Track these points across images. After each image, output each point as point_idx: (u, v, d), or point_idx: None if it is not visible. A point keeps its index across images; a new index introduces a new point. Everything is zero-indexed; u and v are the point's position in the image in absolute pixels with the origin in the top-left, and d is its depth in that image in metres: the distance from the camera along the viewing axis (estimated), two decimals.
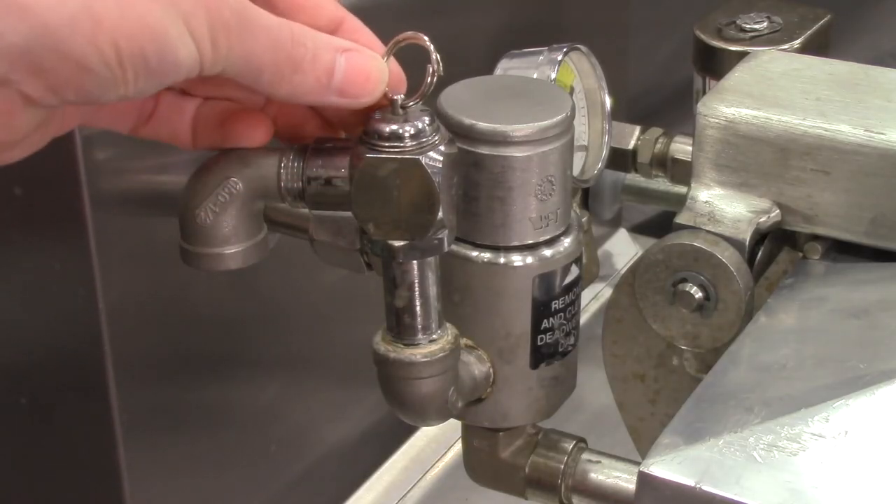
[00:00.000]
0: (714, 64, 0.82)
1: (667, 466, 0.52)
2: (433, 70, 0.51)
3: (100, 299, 0.65)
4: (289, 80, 0.48)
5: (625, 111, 1.04)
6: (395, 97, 0.52)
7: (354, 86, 0.50)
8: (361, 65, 0.50)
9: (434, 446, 0.94)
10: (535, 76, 0.70)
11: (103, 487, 0.70)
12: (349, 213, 0.53)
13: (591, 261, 0.87)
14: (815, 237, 0.66)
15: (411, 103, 0.52)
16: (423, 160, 0.51)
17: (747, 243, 0.65)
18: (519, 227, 0.57)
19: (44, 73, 0.43)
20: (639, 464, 0.54)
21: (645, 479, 0.53)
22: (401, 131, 0.51)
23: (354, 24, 0.52)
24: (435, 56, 0.51)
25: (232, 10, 0.46)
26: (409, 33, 0.52)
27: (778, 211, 0.66)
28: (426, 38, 0.51)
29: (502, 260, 0.58)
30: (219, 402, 0.77)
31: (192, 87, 0.53)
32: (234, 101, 0.54)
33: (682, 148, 0.80)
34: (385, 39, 0.52)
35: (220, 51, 0.46)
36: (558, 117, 0.56)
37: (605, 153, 0.75)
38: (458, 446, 0.71)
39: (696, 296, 0.65)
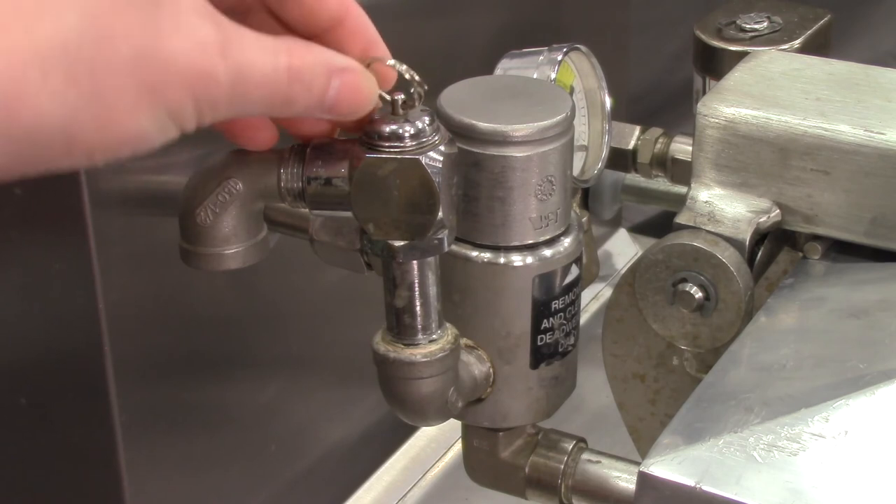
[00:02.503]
0: (714, 64, 0.82)
1: (667, 466, 0.52)
2: (415, 90, 0.51)
3: (100, 299, 0.65)
4: (279, 111, 0.48)
5: (625, 111, 1.04)
6: (396, 97, 0.52)
7: (344, 105, 0.49)
8: (354, 86, 0.49)
9: (434, 446, 0.94)
10: (535, 76, 0.70)
11: (103, 487, 0.70)
12: (349, 213, 0.53)
13: (591, 261, 0.87)
14: (815, 237, 0.66)
15: (401, 112, 0.52)
16: (423, 160, 0.51)
17: (747, 243, 0.65)
18: (519, 227, 0.57)
19: (11, 169, 0.43)
20: (639, 464, 0.54)
21: (645, 479, 0.53)
22: (401, 131, 0.51)
23: (357, 21, 0.51)
24: (409, 75, 0.51)
25: (225, 80, 0.45)
26: (378, 57, 0.51)
27: (778, 211, 0.66)
28: (394, 63, 0.51)
29: (502, 260, 0.58)
30: (218, 401, 0.77)
31: None
32: None
33: (682, 148, 0.80)
34: (385, 39, 0.52)
35: (205, 120, 0.45)
36: (558, 117, 0.56)
37: (605, 153, 0.75)
38: (458, 446, 0.71)
39: (696, 296, 0.65)
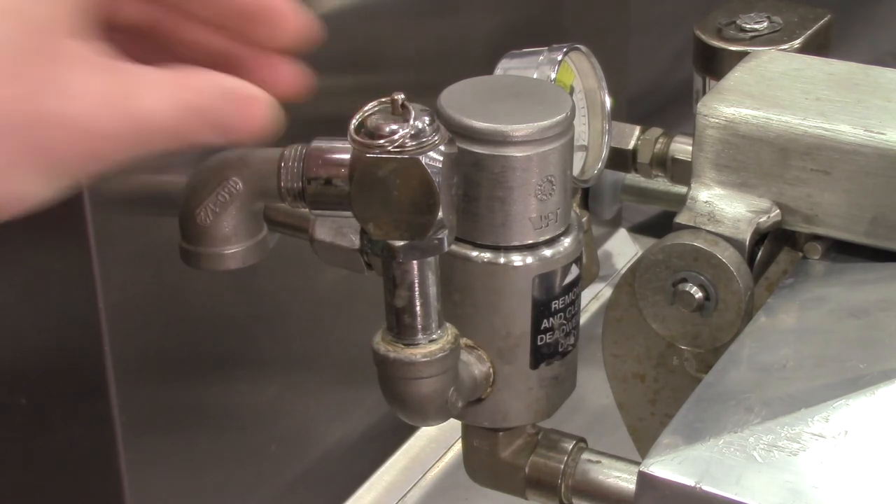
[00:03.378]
0: (714, 64, 0.82)
1: (667, 466, 0.52)
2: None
3: (100, 299, 0.65)
4: (177, 147, 0.47)
5: (625, 111, 1.04)
6: (397, 96, 0.52)
7: (238, 126, 0.47)
8: (247, 106, 0.47)
9: (434, 446, 0.94)
10: (535, 76, 0.70)
11: (103, 487, 0.70)
12: (349, 213, 0.53)
13: (591, 261, 0.86)
14: (815, 237, 0.66)
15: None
16: (423, 160, 0.51)
17: (747, 243, 0.65)
18: (519, 227, 0.57)
19: None
20: (639, 464, 0.54)
21: (645, 479, 0.53)
22: (401, 131, 0.51)
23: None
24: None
25: (122, 134, 0.44)
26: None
27: (778, 211, 0.66)
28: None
29: (502, 260, 0.58)
30: (219, 401, 0.77)
31: None
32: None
33: (682, 148, 0.80)
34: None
35: (102, 170, 0.44)
36: (558, 117, 0.56)
37: (605, 153, 0.75)
38: (458, 446, 0.71)
39: (696, 296, 0.65)
